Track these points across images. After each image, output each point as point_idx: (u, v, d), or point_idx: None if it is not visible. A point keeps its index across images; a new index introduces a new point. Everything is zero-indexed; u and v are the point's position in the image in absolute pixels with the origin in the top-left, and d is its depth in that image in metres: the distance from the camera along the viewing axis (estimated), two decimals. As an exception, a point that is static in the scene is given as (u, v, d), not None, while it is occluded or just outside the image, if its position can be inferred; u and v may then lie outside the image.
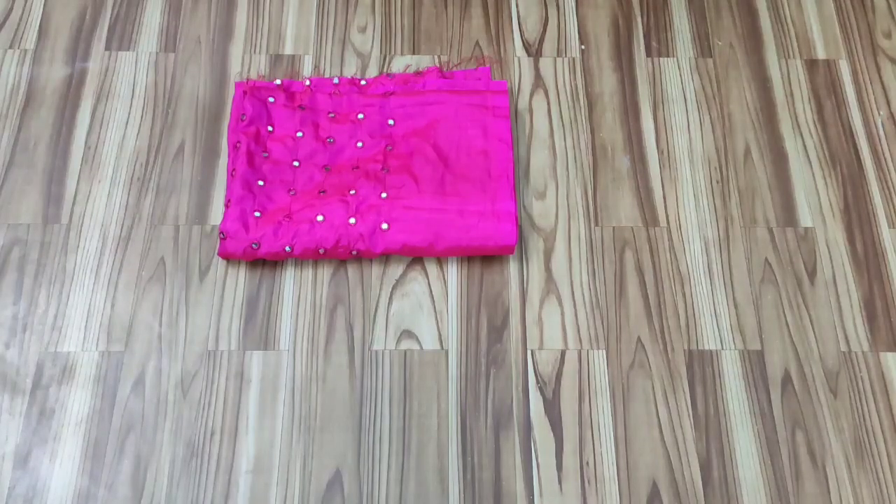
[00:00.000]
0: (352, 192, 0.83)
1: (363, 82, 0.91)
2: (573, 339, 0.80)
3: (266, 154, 0.86)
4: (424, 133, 0.86)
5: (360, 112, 0.88)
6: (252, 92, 0.89)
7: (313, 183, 0.85)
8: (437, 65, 0.93)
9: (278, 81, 0.90)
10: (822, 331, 0.81)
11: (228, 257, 0.81)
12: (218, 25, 0.95)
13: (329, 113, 0.89)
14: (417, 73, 0.91)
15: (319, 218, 0.81)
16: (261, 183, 0.84)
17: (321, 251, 0.80)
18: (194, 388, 0.76)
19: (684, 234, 0.85)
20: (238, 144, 0.86)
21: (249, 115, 0.87)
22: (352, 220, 0.81)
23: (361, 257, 0.82)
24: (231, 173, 0.85)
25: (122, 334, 0.78)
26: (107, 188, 0.85)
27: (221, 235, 0.81)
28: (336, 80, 0.91)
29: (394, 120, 0.87)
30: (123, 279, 0.81)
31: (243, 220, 0.81)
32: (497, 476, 0.74)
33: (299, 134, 0.87)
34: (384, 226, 0.81)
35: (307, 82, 0.91)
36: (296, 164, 0.86)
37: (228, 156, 0.86)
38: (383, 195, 0.83)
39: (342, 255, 0.81)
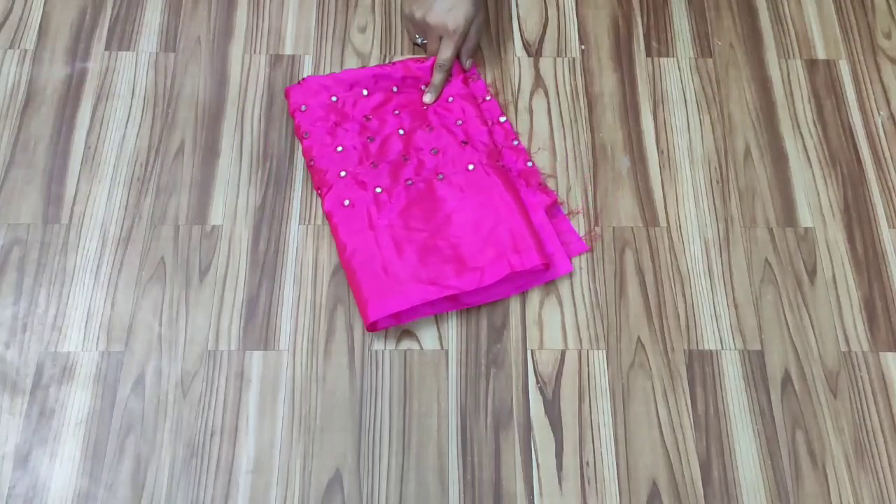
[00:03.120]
0: (373, 164, 0.85)
1: (502, 118, 0.90)
2: (573, 339, 0.80)
3: (396, 89, 0.90)
4: (463, 202, 0.83)
5: (461, 118, 0.89)
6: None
7: (385, 137, 0.88)
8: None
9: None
10: (822, 331, 0.81)
11: (293, 111, 0.88)
12: (218, 25, 0.95)
13: (448, 97, 0.90)
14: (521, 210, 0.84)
15: (339, 148, 0.86)
16: (367, 118, 0.89)
17: (311, 162, 0.85)
18: (194, 388, 0.76)
19: (684, 234, 0.85)
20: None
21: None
22: (342, 173, 0.84)
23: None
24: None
25: (122, 334, 0.78)
26: (107, 188, 0.85)
27: (303, 108, 0.88)
28: (488, 98, 0.91)
29: (473, 166, 0.85)
30: (123, 279, 0.81)
31: (326, 110, 0.88)
32: (497, 476, 0.74)
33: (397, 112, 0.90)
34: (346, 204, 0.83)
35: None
36: (397, 112, 0.89)
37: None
38: (378, 190, 0.83)
39: (310, 169, 0.86)
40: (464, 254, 0.80)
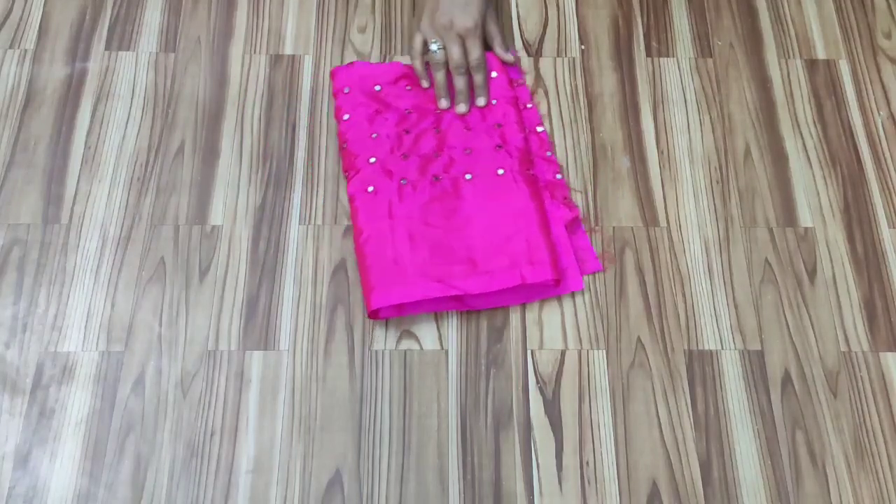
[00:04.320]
0: (404, 156, 0.85)
1: (539, 128, 0.89)
2: (573, 339, 0.80)
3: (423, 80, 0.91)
4: (485, 206, 0.82)
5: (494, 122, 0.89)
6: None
7: (421, 131, 0.87)
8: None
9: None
10: (822, 331, 0.81)
11: (337, 93, 0.90)
12: (218, 25, 0.95)
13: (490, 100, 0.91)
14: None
15: (375, 135, 0.86)
16: (408, 111, 0.89)
17: (344, 145, 0.86)
18: (194, 388, 0.76)
19: (684, 234, 0.85)
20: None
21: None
22: (372, 160, 0.84)
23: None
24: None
25: (122, 334, 0.78)
26: (107, 188, 0.85)
27: (346, 91, 0.89)
28: (529, 105, 0.91)
29: (504, 171, 0.84)
30: (123, 279, 0.81)
31: (369, 97, 0.88)
32: (497, 476, 0.74)
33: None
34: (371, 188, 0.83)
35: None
36: (438, 110, 0.89)
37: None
38: (403, 181, 0.84)
39: (342, 154, 0.87)
40: (476, 257, 0.79)
